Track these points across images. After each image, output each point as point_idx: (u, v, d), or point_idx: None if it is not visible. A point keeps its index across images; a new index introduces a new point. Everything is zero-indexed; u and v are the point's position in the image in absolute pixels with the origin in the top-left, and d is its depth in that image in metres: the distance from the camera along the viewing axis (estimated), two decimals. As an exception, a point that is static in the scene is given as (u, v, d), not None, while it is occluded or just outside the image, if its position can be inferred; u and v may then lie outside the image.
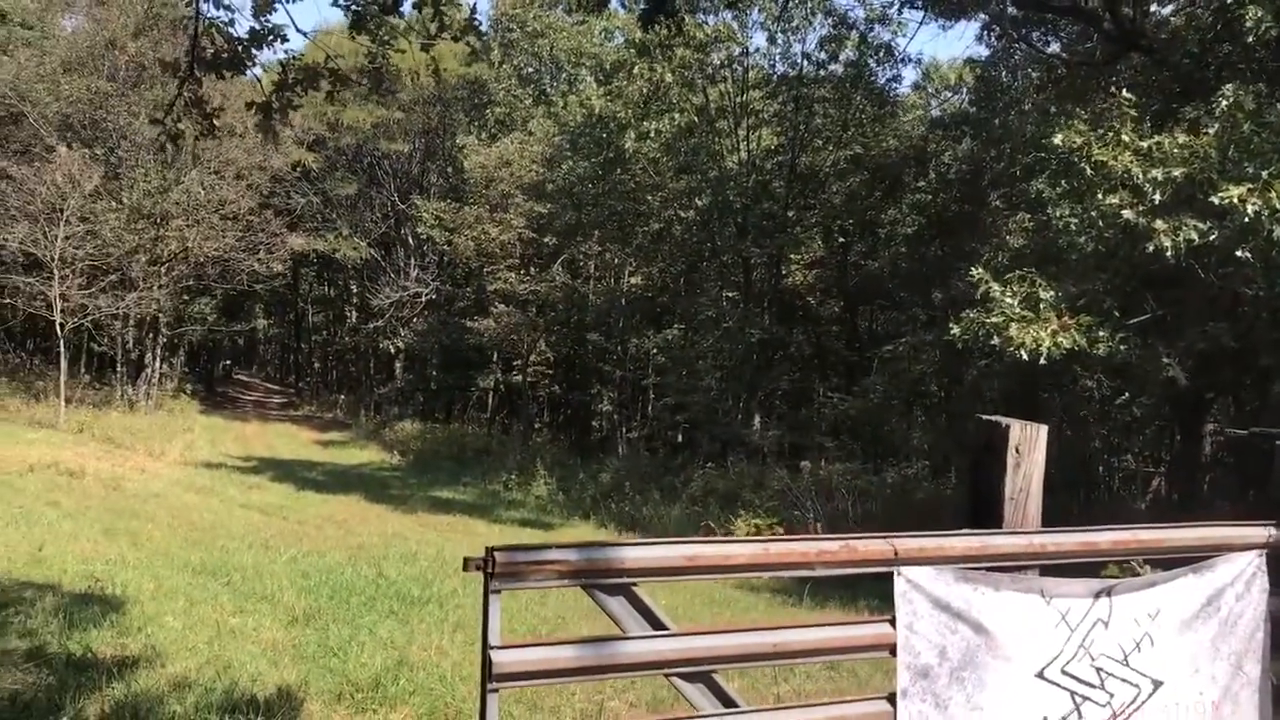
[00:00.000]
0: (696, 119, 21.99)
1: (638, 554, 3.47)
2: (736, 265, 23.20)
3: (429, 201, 28.43)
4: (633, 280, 25.98)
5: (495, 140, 26.14)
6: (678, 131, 21.33)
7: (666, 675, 3.51)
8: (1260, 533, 4.44)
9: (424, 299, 29.52)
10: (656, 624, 3.49)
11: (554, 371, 27.74)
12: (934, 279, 19.96)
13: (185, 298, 29.64)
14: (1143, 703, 4.15)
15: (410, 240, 31.26)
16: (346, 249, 30.91)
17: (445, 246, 27.01)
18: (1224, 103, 9.23)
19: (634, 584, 3.45)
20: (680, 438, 25.28)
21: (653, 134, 20.79)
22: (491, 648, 3.24)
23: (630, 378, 26.45)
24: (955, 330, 10.11)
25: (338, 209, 33.12)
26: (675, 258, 24.86)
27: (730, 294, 24.31)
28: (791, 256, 23.75)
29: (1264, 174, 8.43)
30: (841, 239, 23.20)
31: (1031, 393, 13.76)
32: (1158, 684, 4.18)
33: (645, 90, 21.11)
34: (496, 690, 3.27)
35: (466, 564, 3.32)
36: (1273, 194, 8.33)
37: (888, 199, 21.79)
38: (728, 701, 3.56)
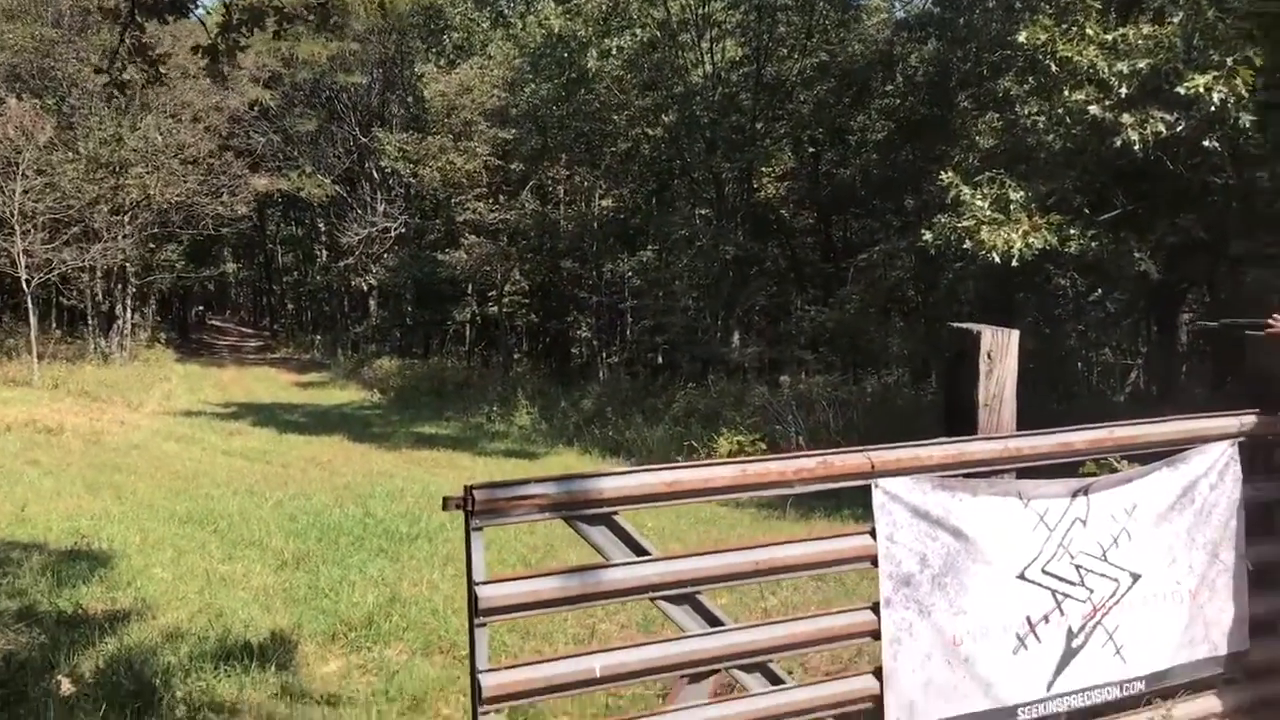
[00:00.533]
0: (659, 33, 21.61)
1: (617, 483, 3.48)
2: (707, 182, 23.01)
3: (391, 134, 27.98)
4: (604, 203, 25.74)
5: (455, 66, 25.66)
6: (640, 47, 20.98)
7: (651, 599, 3.54)
8: (1232, 423, 4.49)
9: (393, 234, 29.23)
10: (639, 550, 3.51)
11: (530, 300, 27.59)
12: (906, 184, 19.87)
13: (151, 246, 29.23)
14: (1122, 596, 4.23)
15: (375, 175, 30.83)
16: (311, 187, 30.46)
17: (411, 179, 26.67)
18: (1187, -10, 9.13)
19: (615, 513, 3.46)
20: (661, 359, 25.29)
21: (615, 51, 20.44)
22: (477, 584, 3.27)
23: (607, 302, 26.35)
24: (927, 236, 10.09)
25: (299, 146, 32.58)
26: (645, 178, 24.64)
27: (703, 211, 24.14)
28: (762, 170, 23.57)
29: (1229, 61, 8.37)
30: (812, 149, 23.01)
31: (1007, 294, 13.79)
32: (1136, 577, 4.25)
33: (605, 6, 20.71)
34: (485, 624, 3.31)
35: (446, 503, 3.33)
36: (1238, 81, 8.29)
37: (856, 105, 21.57)
38: (713, 620, 3.60)
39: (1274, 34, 8.76)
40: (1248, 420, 4.55)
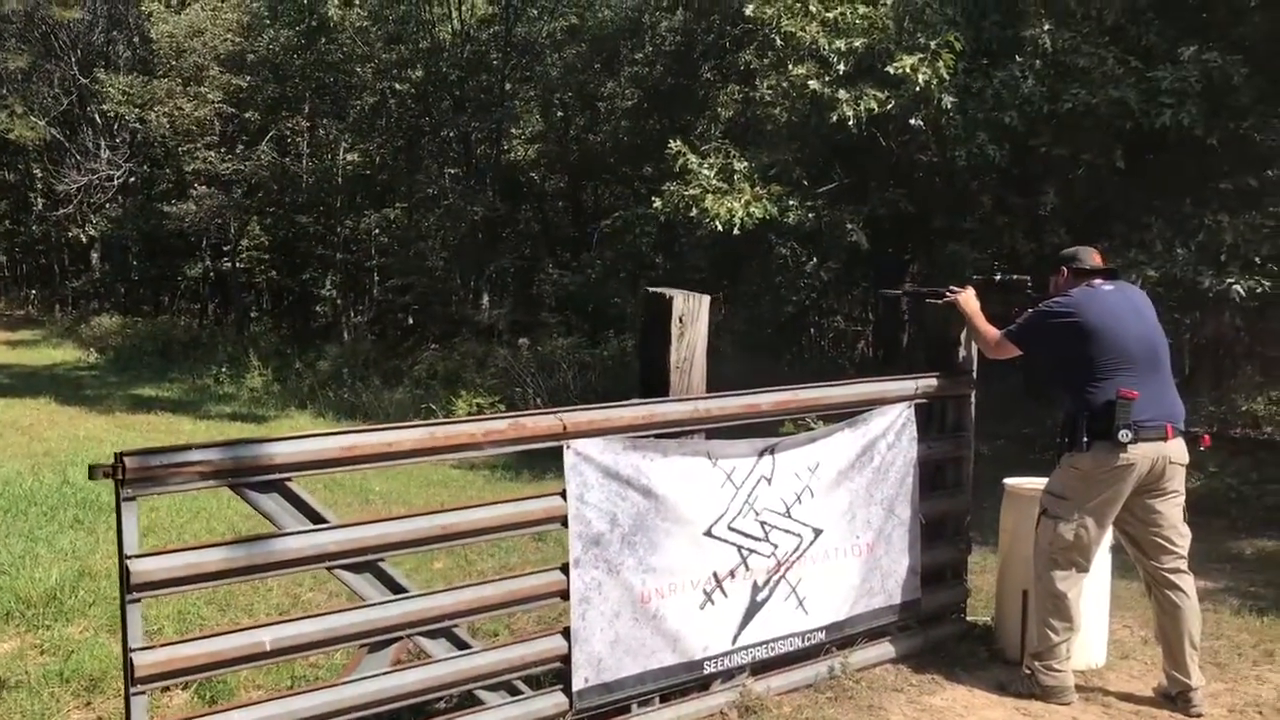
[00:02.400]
0: (405, -15, 20.99)
1: (290, 448, 3.35)
2: (457, 140, 22.60)
3: (117, 76, 25.91)
4: (349, 158, 24.82)
5: (186, 7, 24.01)
6: (384, -1, 20.32)
7: (329, 569, 3.43)
8: (909, 385, 4.79)
9: (116, 182, 27.11)
10: (316, 518, 3.39)
11: (271, 256, 26.28)
12: (653, 152, 20.16)
13: None
14: (804, 550, 4.45)
15: (98, 119, 28.47)
16: (22, 129, 27.75)
17: (138, 124, 24.81)
18: (899, -26, 9.64)
19: (288, 479, 3.32)
20: (410, 320, 24.74)
21: (358, 2, 19.70)
22: (129, 557, 3.08)
23: (353, 260, 25.49)
24: (658, 204, 10.30)
25: (9, 84, 29.63)
26: (394, 133, 23.91)
27: (452, 170, 23.68)
28: (513, 131, 23.34)
29: (932, 44, 8.92)
30: (561, 113, 22.97)
31: (734, 261, 14.27)
32: (818, 532, 4.49)
33: (348, -47, 19.92)
34: (138, 600, 3.12)
35: (93, 472, 3.12)
36: (940, 64, 8.85)
37: (606, 71, 21.66)
38: (396, 588, 3.53)
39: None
40: (923, 383, 4.87)
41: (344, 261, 24.95)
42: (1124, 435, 4.12)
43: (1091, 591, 4.55)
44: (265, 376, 17.54)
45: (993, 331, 4.65)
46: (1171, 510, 4.32)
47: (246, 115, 23.18)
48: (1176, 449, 4.26)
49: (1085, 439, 4.23)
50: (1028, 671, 4.47)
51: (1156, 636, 4.54)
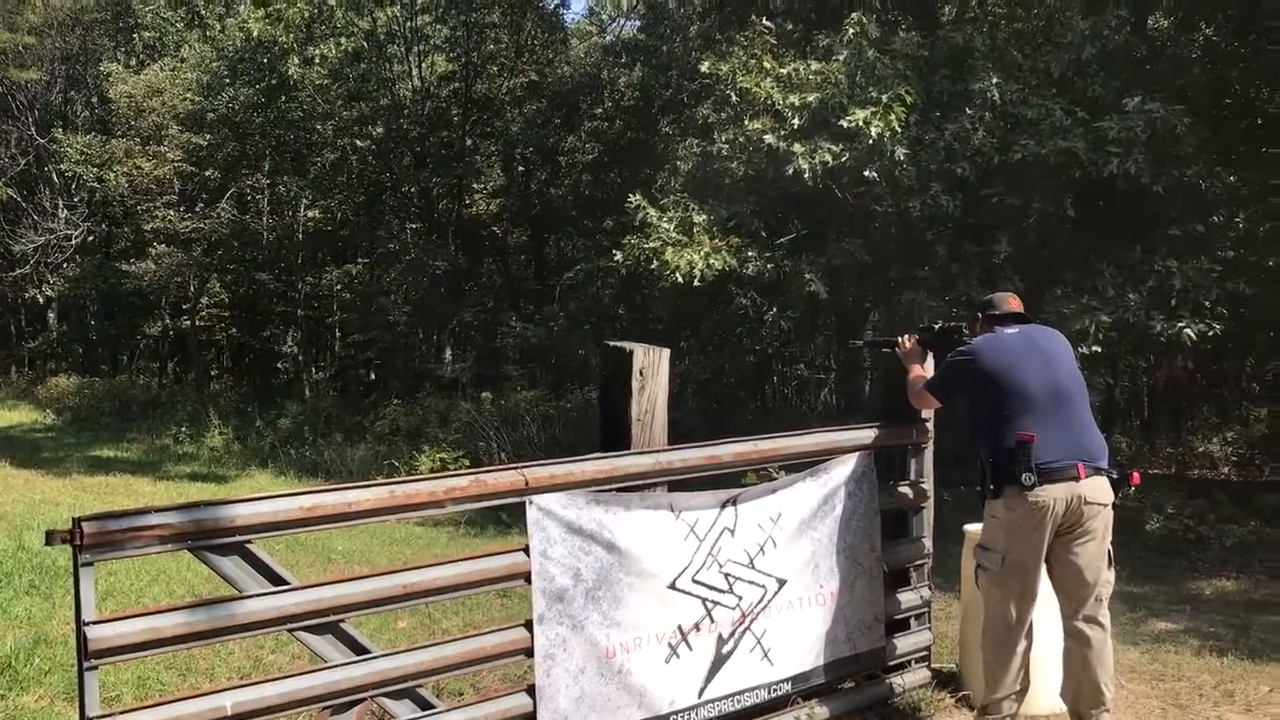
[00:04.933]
0: (365, 44, 21.12)
1: (250, 510, 3.33)
2: (418, 195, 22.68)
3: (75, 136, 25.82)
4: (310, 214, 24.82)
5: (145, 67, 24.04)
6: (345, 57, 20.41)
7: (290, 631, 3.40)
8: (867, 434, 4.84)
9: (74, 241, 26.94)
10: (276, 580, 3.37)
11: (231, 314, 26.13)
12: (614, 205, 20.33)
13: None
14: (769, 601, 4.46)
15: (55, 178, 28.32)
16: (-21, 189, 27.62)
17: (96, 184, 24.70)
18: (850, 31, 9.85)
19: (248, 542, 3.31)
20: (372, 376, 24.64)
21: (318, 60, 19.79)
22: (86, 624, 3.04)
23: (314, 316, 25.40)
24: (619, 256, 10.40)
25: (-36, 146, 29.46)
26: (355, 189, 23.96)
27: (413, 225, 23.74)
28: (474, 186, 23.48)
29: (884, 98, 9.11)
30: (522, 167, 23.13)
31: (695, 312, 14.37)
32: (782, 582, 4.50)
33: (308, 13, 20.01)
34: (95, 668, 3.08)
35: (50, 538, 3.09)
36: (893, 116, 9.04)
37: (566, 126, 21.87)
38: (359, 649, 3.50)
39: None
40: (882, 432, 4.92)
41: (305, 318, 24.86)
42: (1026, 479, 4.06)
43: (1043, 639, 4.44)
44: (225, 435, 17.37)
45: (919, 382, 4.71)
46: (1089, 551, 4.20)
47: (206, 173, 23.17)
48: (1091, 488, 4.14)
49: (992, 485, 4.22)
50: (979, 723, 4.46)
51: (1062, 688, 4.41)
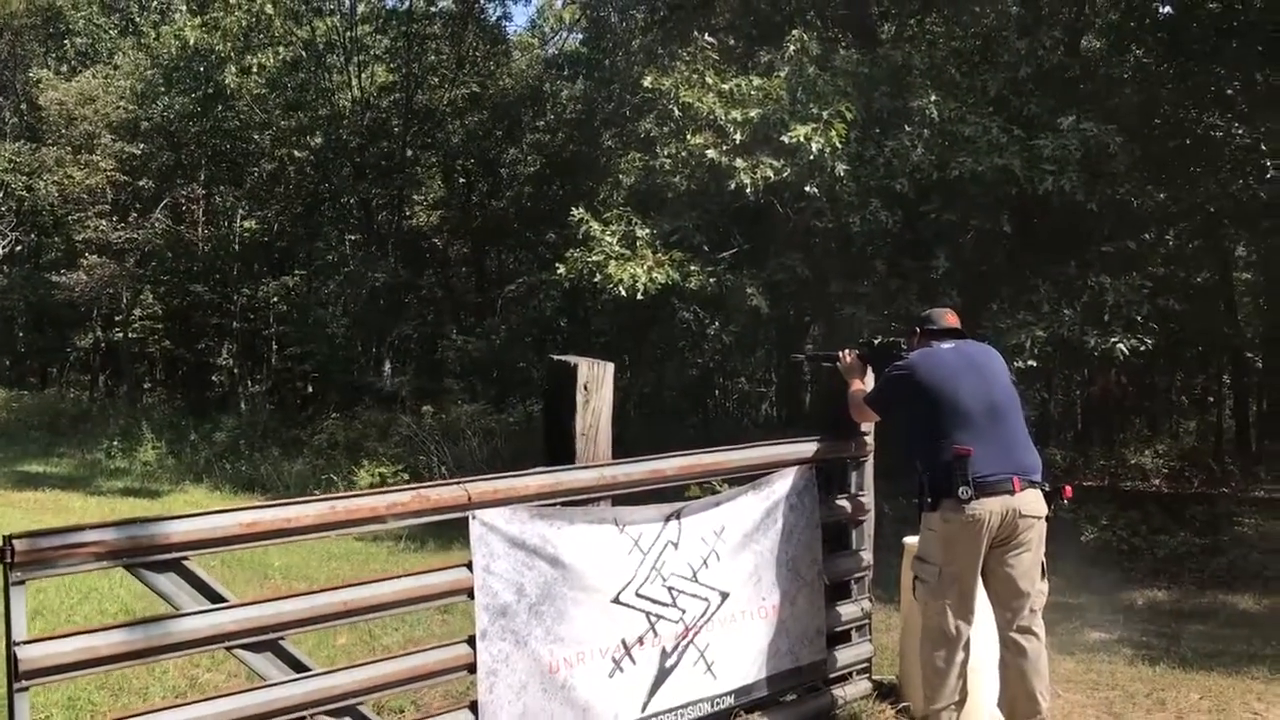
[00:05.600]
0: (304, 54, 20.91)
1: (187, 526, 3.27)
2: (357, 206, 22.49)
3: (2, 143, 25.24)
4: (247, 225, 24.48)
5: (77, 74, 23.59)
6: (283, 67, 20.19)
7: (228, 648, 3.34)
8: (809, 448, 4.87)
9: (1, 251, 26.31)
10: (214, 597, 3.31)
11: (164, 326, 25.66)
12: (557, 217, 20.32)
13: None
14: (712, 614, 4.46)
15: (-18, 187, 27.68)
16: (-100, 197, 26.88)
17: (24, 193, 24.17)
18: (791, 48, 9.96)
19: (185, 558, 3.24)
20: (310, 389, 24.33)
21: (256, 69, 19.55)
22: (16, 644, 2.96)
23: (250, 328, 25.04)
24: (561, 270, 10.40)
25: (-117, 152, 28.62)
26: (292, 200, 23.69)
27: (352, 237, 23.52)
28: (414, 197, 23.32)
29: (824, 114, 9.22)
30: (463, 179, 23.05)
31: (640, 326, 14.41)
32: (725, 595, 4.50)
33: (245, 22, 19.77)
34: (26, 689, 3.00)
35: (-21, 556, 3.00)
36: (833, 133, 9.15)
37: (508, 139, 21.83)
38: (298, 666, 3.45)
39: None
40: (822, 445, 4.95)
41: (241, 330, 24.52)
42: (963, 492, 4.12)
43: (980, 649, 4.46)
44: (159, 449, 17.01)
45: (858, 395, 4.76)
46: (1023, 563, 4.24)
47: (140, 183, 22.79)
48: (1026, 501, 4.19)
49: (929, 498, 4.28)
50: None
51: (999, 698, 4.45)
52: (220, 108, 20.74)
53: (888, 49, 11.17)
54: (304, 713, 3.37)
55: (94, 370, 28.15)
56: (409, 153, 21.65)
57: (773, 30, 11.56)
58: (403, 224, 22.83)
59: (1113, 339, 9.25)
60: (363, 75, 21.84)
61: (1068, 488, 4.54)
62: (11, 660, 2.89)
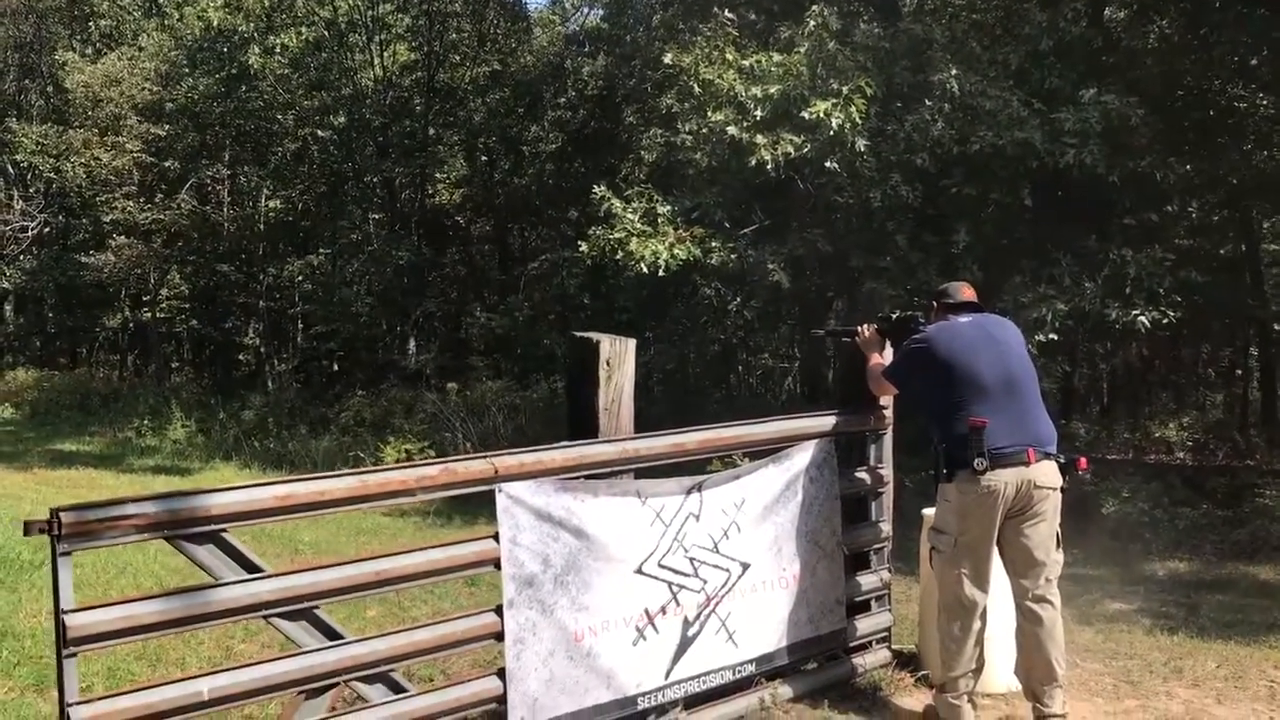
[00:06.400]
0: (326, 33, 21.00)
1: (225, 500, 3.39)
2: (381, 185, 22.61)
3: (30, 126, 25.47)
4: (271, 205, 24.66)
5: (102, 56, 23.75)
6: (306, 46, 20.29)
7: (265, 617, 3.46)
8: (827, 421, 4.95)
9: (31, 233, 26.59)
10: (251, 567, 3.43)
11: (191, 306, 25.91)
12: (578, 195, 20.36)
13: None
14: (733, 585, 4.56)
15: (10, 169, 27.91)
16: (-69, 180, 27.22)
17: (53, 175, 24.40)
18: (811, 23, 9.96)
19: (223, 530, 3.36)
20: (336, 367, 24.53)
21: (279, 49, 19.68)
22: (65, 612, 3.10)
23: (276, 307, 25.24)
24: (584, 247, 10.48)
25: (-86, 135, 28.95)
26: (316, 179, 23.83)
27: (376, 216, 23.66)
28: (436, 176, 23.41)
29: (845, 90, 9.23)
30: (485, 157, 23.10)
31: (663, 302, 14.47)
32: (746, 566, 4.60)
33: (268, 2, 19.90)
34: (75, 655, 3.14)
35: (28, 528, 3.14)
36: (853, 108, 9.17)
37: (529, 116, 21.86)
38: (332, 635, 3.57)
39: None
40: (843, 419, 5.03)
41: (267, 309, 24.71)
42: (979, 464, 4.18)
43: (996, 618, 4.54)
44: (188, 428, 17.25)
45: (877, 369, 4.83)
46: (1039, 533, 4.31)
47: (166, 164, 22.94)
48: (1042, 472, 4.26)
49: (945, 469, 4.35)
50: (934, 701, 4.59)
51: (1016, 665, 4.54)
52: (244, 88, 20.86)
53: (908, 23, 11.13)
54: (339, 678, 3.49)
55: (122, 350, 28.47)
56: (431, 131, 21.73)
57: (793, 5, 11.52)
58: (426, 202, 22.93)
59: (1135, 312, 9.26)
60: (385, 54, 21.91)
61: (1083, 459, 4.58)
62: (60, 628, 3.03)
